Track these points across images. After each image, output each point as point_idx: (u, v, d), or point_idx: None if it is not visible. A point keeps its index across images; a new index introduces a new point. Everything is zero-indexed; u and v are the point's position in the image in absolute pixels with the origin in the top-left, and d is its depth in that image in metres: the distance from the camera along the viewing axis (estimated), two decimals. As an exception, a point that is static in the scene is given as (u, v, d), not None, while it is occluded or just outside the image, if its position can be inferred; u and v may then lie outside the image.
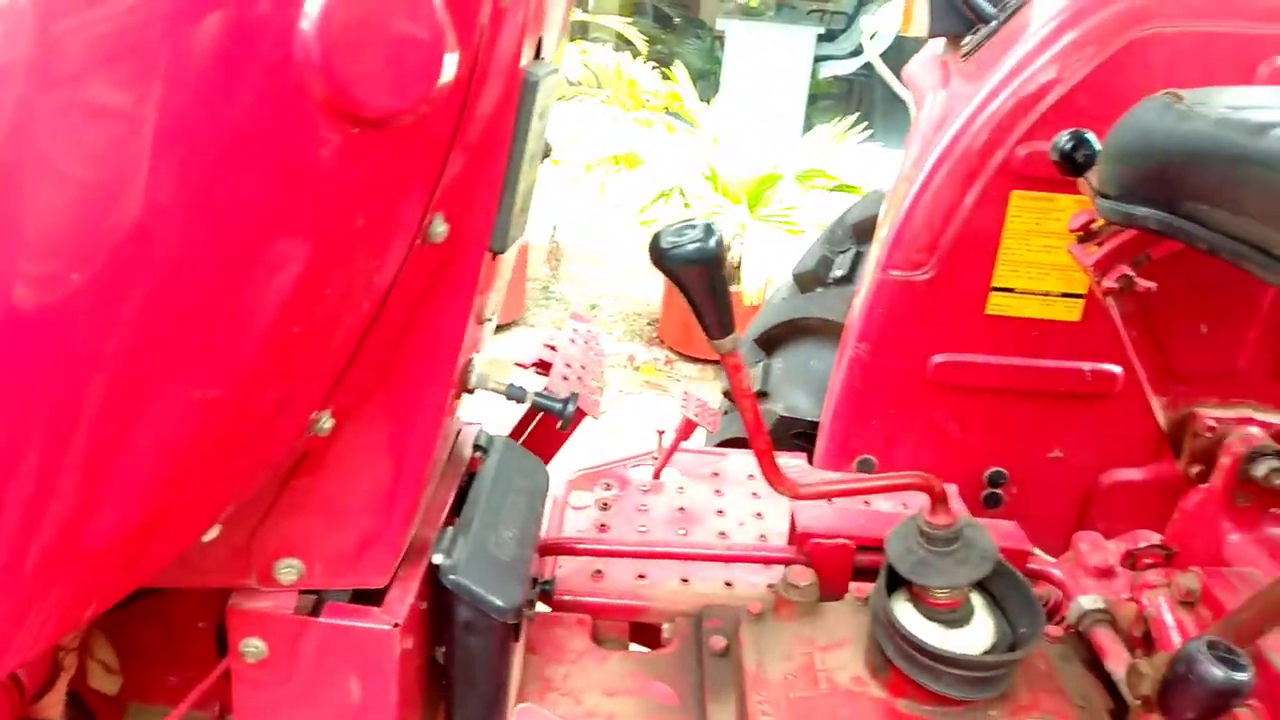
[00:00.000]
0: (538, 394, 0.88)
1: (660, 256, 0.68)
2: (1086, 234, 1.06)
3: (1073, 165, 1.04)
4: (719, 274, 0.71)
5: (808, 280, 1.65)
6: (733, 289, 3.41)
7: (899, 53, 1.85)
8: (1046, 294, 1.29)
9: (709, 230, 0.67)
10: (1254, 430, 1.05)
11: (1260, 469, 0.91)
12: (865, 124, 3.83)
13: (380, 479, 0.68)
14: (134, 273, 0.45)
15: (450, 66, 0.48)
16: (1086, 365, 1.30)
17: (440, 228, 0.58)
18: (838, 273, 1.58)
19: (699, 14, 7.95)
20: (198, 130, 0.44)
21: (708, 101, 3.90)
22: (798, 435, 1.55)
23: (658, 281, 4.01)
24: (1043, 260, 1.27)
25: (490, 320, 0.81)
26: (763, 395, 1.62)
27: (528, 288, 4.08)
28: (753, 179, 3.50)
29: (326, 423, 0.61)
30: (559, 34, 0.75)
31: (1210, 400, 1.10)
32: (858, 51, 6.29)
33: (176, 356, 0.49)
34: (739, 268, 3.40)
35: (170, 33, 0.41)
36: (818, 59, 6.83)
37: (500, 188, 0.62)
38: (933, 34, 1.40)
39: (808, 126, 6.27)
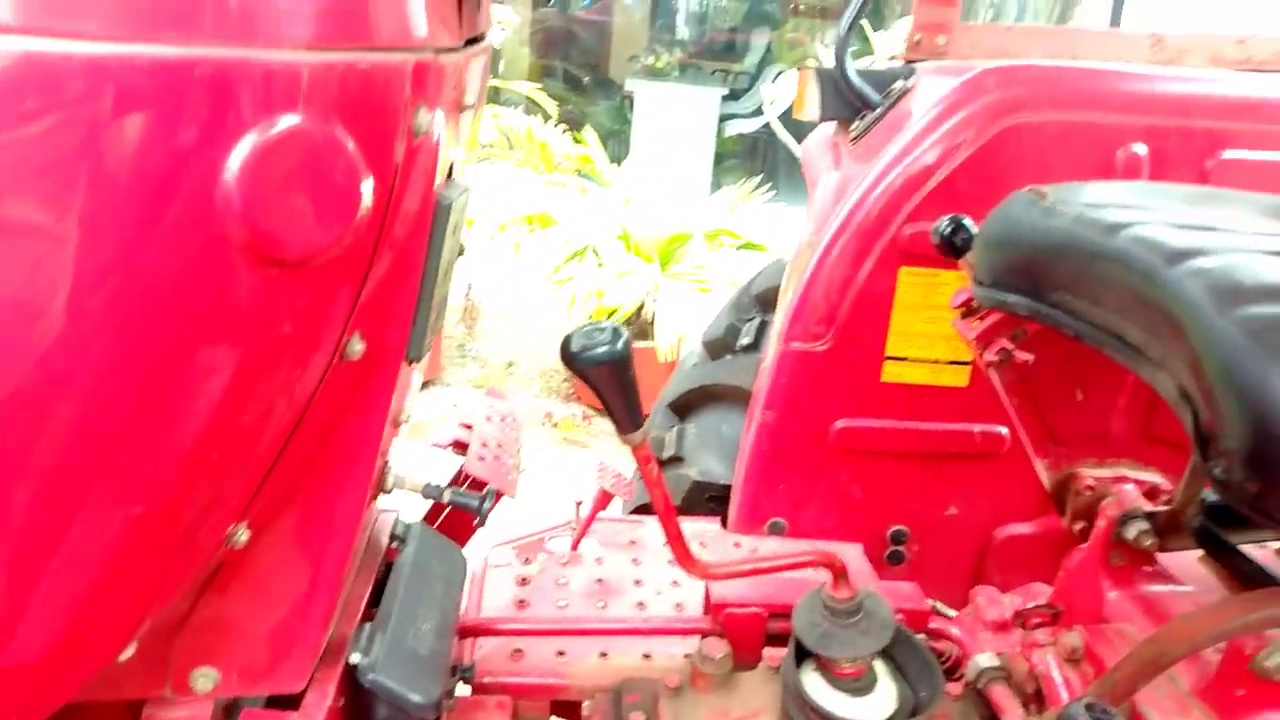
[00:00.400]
0: (455, 493, 0.89)
1: (572, 359, 0.71)
2: (968, 310, 1.14)
3: (952, 249, 1.13)
4: (627, 373, 0.75)
5: (717, 347, 1.71)
6: (647, 345, 3.47)
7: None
8: (936, 361, 1.37)
9: (616, 333, 0.71)
10: (1129, 488, 1.13)
11: (1131, 531, 0.98)
12: (769, 184, 3.98)
13: (296, 586, 0.68)
14: (54, 395, 0.46)
15: (366, 208, 0.50)
16: (976, 427, 1.39)
17: (357, 346, 0.60)
18: (744, 340, 1.64)
19: (608, 74, 8.14)
20: (121, 266, 0.45)
21: (618, 163, 3.99)
22: (711, 499, 1.59)
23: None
24: (931, 331, 1.35)
25: (406, 422, 0.83)
26: (677, 460, 1.66)
27: (444, 346, 4.07)
28: (664, 238, 3.58)
29: (243, 535, 0.62)
30: (473, 119, 0.78)
31: (1089, 460, 1.19)
32: (760, 110, 6.52)
33: (97, 478, 0.50)
34: (653, 324, 3.47)
35: (97, 175, 0.43)
36: (723, 118, 7.07)
37: (416, 303, 0.65)
38: (823, 118, 1.49)
39: (716, 184, 6.47)
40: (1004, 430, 1.38)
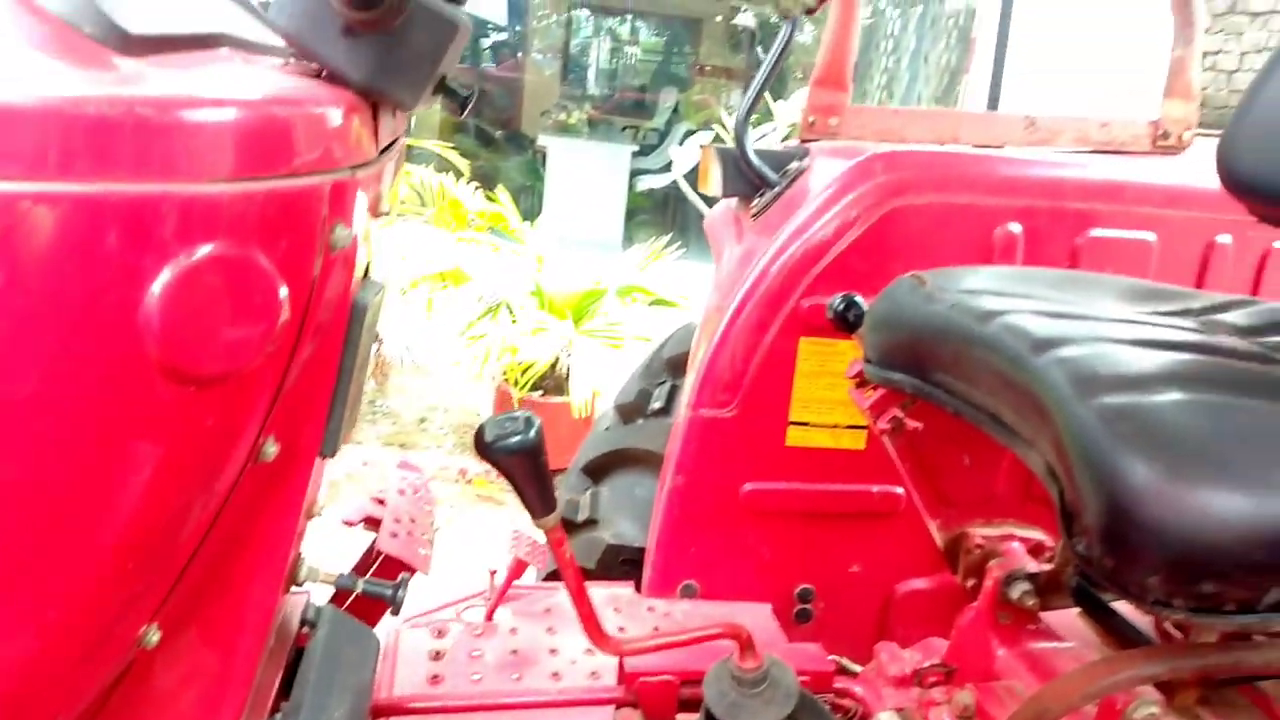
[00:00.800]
0: (368, 583, 0.90)
1: (486, 449, 0.73)
2: (861, 380, 1.21)
3: (845, 324, 1.20)
4: (540, 460, 0.78)
5: (629, 411, 1.74)
6: (561, 400, 3.49)
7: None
8: (835, 426, 1.43)
9: (528, 423, 0.74)
10: (1015, 545, 1.21)
11: (1015, 591, 1.05)
12: (680, 240, 4.08)
13: (207, 683, 0.68)
14: None
15: (283, 323, 0.52)
16: (874, 487, 1.46)
17: (271, 449, 0.61)
18: (656, 405, 1.68)
19: (521, 129, 8.24)
20: (42, 387, 0.46)
21: (531, 220, 4.04)
22: (625, 561, 1.61)
23: (488, 391, 4.03)
24: (830, 397, 1.42)
25: (319, 514, 0.83)
26: (592, 523, 1.68)
27: (353, 404, 3.99)
28: (577, 294, 3.63)
29: (154, 636, 0.62)
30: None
31: (977, 520, 1.26)
32: (670, 167, 6.70)
33: (12, 587, 0.49)
34: (567, 379, 3.49)
35: (18, 304, 0.44)
36: (634, 173, 7.22)
37: (331, 403, 0.66)
38: (725, 195, 1.56)
39: (628, 239, 6.59)
40: (900, 490, 1.45)
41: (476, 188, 4.09)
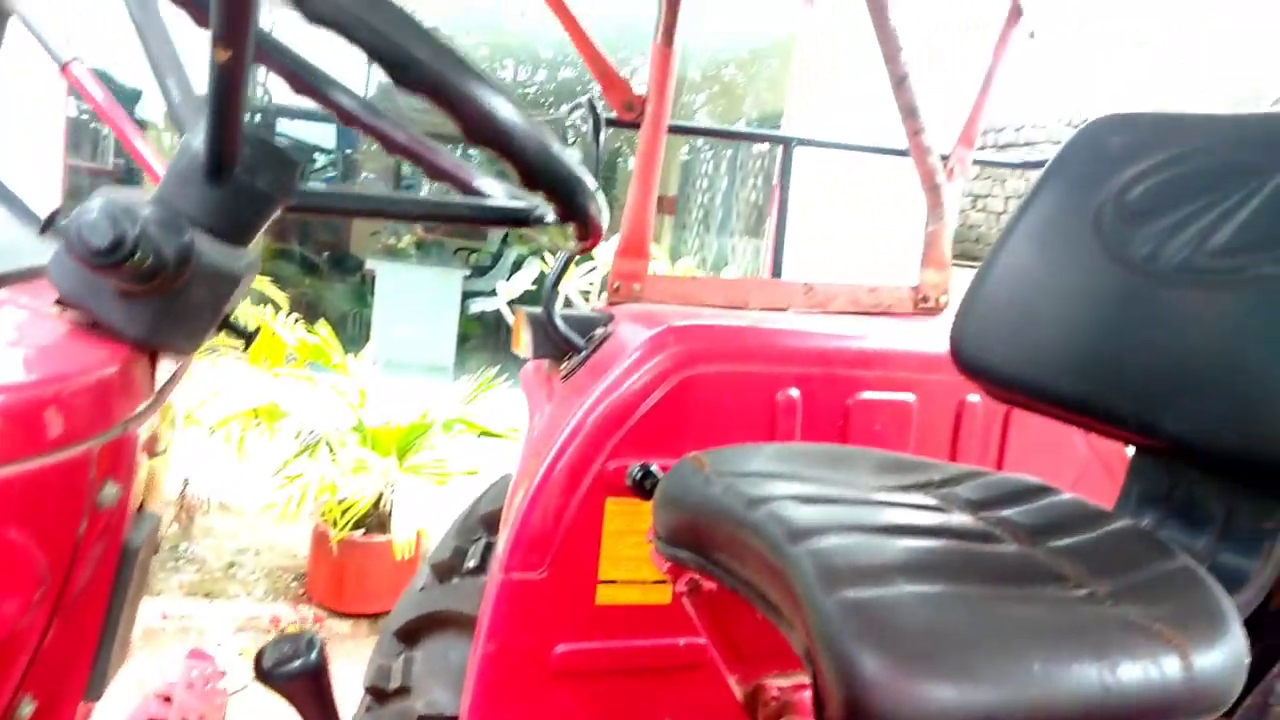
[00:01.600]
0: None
1: (266, 676, 0.73)
2: (661, 544, 1.27)
3: (643, 492, 1.27)
4: (323, 682, 0.78)
5: (444, 570, 1.73)
6: (384, 538, 3.38)
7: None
8: (643, 582, 1.49)
9: (310, 644, 0.74)
10: (805, 695, 1.29)
11: (802, 746, 1.12)
12: (510, 369, 4.11)
13: None
14: None
15: (42, 590, 0.52)
16: (680, 640, 1.51)
17: (27, 709, 0.59)
18: (471, 563, 1.68)
19: (349, 250, 8.15)
20: None
21: (357, 350, 3.97)
22: (439, 731, 1.57)
23: (305, 531, 3.84)
24: (636, 554, 1.47)
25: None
26: (404, 691, 1.64)
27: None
28: (401, 429, 3.57)
29: None
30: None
31: (773, 672, 1.33)
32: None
33: None
34: (390, 517, 3.40)
35: None
36: (468, 295, 7.26)
37: (95, 651, 0.64)
38: (535, 357, 1.63)
39: (460, 364, 6.57)
40: (704, 640, 1.51)
41: (297, 319, 4.00)
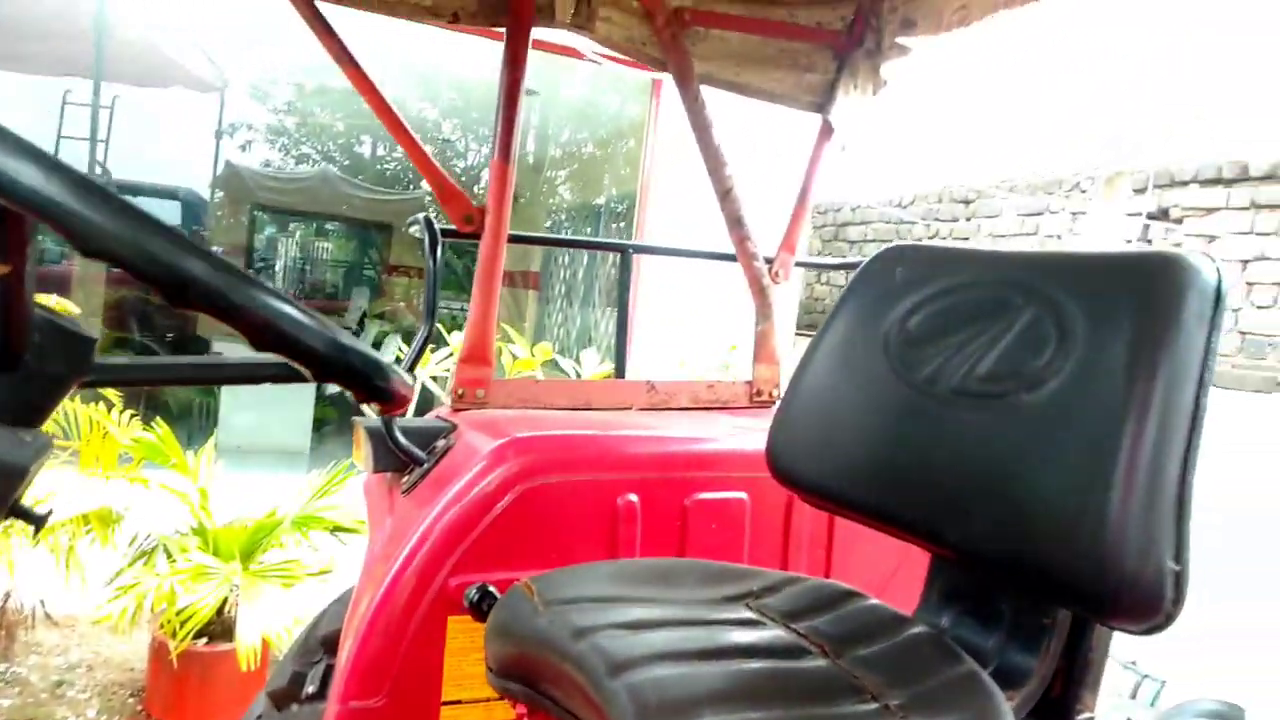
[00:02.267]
0: None
1: None
2: (501, 666, 1.28)
3: (480, 614, 1.27)
4: None
5: (281, 697, 1.67)
6: (227, 647, 3.19)
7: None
8: (489, 699, 1.48)
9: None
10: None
11: None
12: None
13: None
14: None
15: None
16: None
17: None
18: (310, 689, 1.63)
19: (196, 333, 7.78)
20: None
21: (198, 448, 3.78)
22: None
23: (142, 641, 3.58)
24: (480, 672, 1.46)
25: None
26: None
27: (-36, 677, 3.37)
28: (246, 529, 3.41)
29: None
30: None
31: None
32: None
33: None
34: (234, 624, 3.22)
35: None
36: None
37: None
38: (375, 471, 1.62)
39: (316, 449, 6.33)
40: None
41: (133, 415, 3.78)
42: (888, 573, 1.33)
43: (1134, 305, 0.93)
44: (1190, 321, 0.89)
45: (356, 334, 8.07)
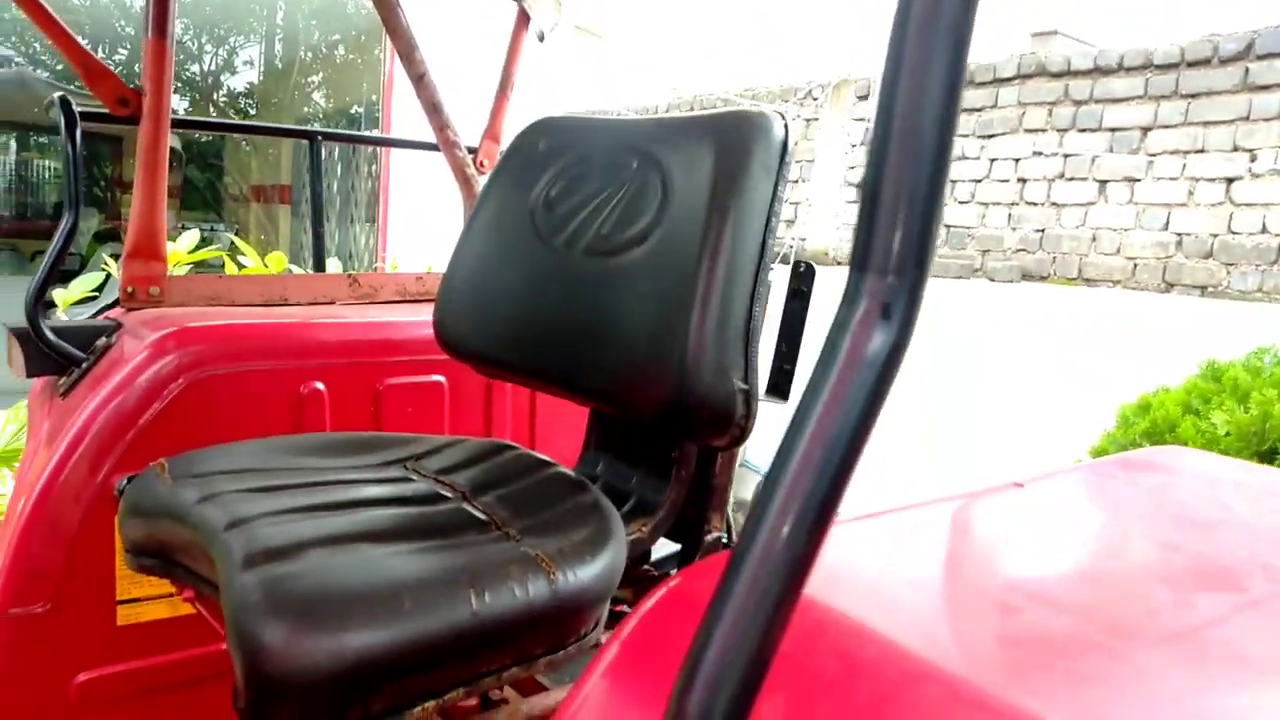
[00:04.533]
0: None
1: None
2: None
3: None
4: None
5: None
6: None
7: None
8: (169, 595, 1.45)
9: None
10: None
11: None
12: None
13: None
14: None
15: None
16: (215, 647, 1.49)
17: None
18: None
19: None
20: None
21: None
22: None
23: None
24: (159, 568, 1.43)
25: None
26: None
27: None
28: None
29: None
30: None
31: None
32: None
33: None
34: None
35: None
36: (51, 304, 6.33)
37: None
38: (30, 376, 1.50)
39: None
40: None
41: None
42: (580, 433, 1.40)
43: (712, 158, 1.02)
44: (757, 171, 1.00)
45: (85, 258, 7.30)
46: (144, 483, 1.07)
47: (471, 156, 2.02)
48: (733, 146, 1.01)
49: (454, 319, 1.31)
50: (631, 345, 1.06)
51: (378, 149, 5.62)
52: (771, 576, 0.38)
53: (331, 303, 1.86)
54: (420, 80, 1.91)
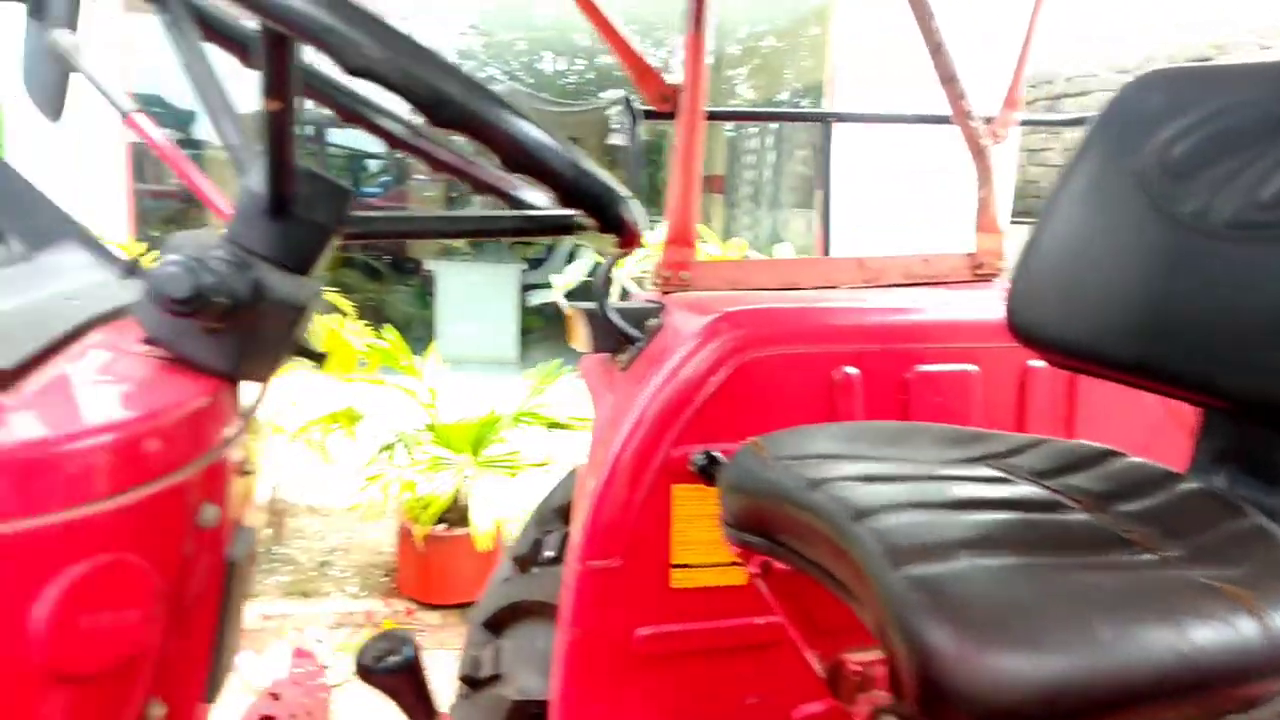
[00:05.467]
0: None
1: (366, 673, 0.79)
2: (730, 527, 1.30)
3: (709, 478, 1.30)
4: (419, 676, 0.83)
5: (524, 561, 1.79)
6: (464, 531, 3.48)
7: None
8: (717, 564, 1.52)
9: (405, 640, 0.80)
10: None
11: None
12: (572, 365, 4.17)
13: None
14: None
15: (158, 603, 0.58)
16: (759, 619, 1.54)
17: (158, 710, 0.65)
18: (549, 553, 1.74)
19: (407, 254, 8.31)
20: None
21: (424, 350, 4.08)
22: (535, 717, 1.64)
23: (390, 527, 3.98)
24: (707, 538, 1.51)
25: None
26: (495, 679, 1.71)
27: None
28: (472, 425, 3.66)
29: None
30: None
31: (852, 648, 1.36)
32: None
33: None
34: (469, 511, 3.50)
35: None
36: (527, 288, 7.35)
37: (210, 654, 0.71)
38: (594, 351, 1.67)
39: (525, 357, 6.66)
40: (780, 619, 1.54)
41: (365, 325, 4.12)
42: (1141, 444, 1.22)
43: None
44: None
45: (551, 249, 8.31)
46: (743, 461, 1.10)
47: (986, 126, 1.87)
48: None
49: (1034, 302, 1.18)
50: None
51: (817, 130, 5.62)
52: None
53: (837, 287, 1.84)
54: (937, 49, 1.80)
